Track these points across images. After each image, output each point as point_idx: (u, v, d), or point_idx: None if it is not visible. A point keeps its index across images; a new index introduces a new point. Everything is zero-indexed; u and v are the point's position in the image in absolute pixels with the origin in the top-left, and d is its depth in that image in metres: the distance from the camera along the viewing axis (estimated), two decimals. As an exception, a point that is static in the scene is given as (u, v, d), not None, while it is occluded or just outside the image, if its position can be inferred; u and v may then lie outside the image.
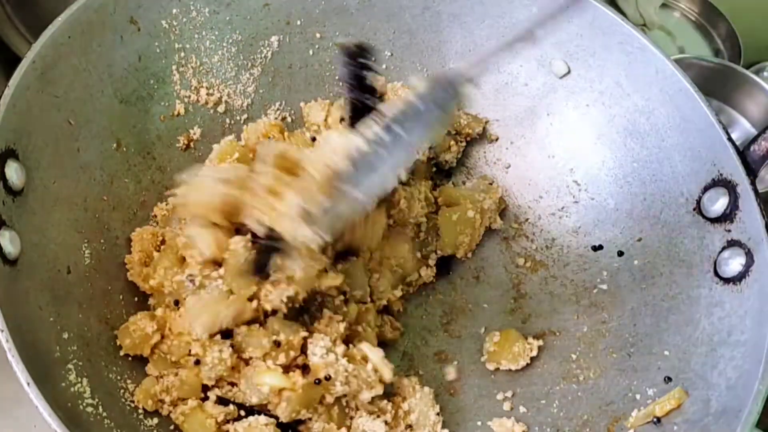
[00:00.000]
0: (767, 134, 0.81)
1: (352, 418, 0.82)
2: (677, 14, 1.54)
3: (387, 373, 0.82)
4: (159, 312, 0.82)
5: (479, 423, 0.87)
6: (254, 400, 0.78)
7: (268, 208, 0.78)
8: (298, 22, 1.01)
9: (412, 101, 0.78)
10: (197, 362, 0.79)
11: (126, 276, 0.86)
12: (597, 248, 0.95)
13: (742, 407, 0.71)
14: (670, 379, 0.80)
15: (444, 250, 0.97)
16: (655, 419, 0.78)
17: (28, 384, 0.63)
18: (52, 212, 0.78)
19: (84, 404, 0.71)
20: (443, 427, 0.86)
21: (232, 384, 0.80)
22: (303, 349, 0.81)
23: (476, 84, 0.79)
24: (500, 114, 1.05)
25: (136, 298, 0.84)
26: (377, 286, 0.91)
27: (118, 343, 0.80)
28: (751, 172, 0.81)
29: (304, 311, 0.85)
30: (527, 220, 1.02)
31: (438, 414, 0.86)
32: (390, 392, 0.86)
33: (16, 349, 0.64)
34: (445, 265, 0.99)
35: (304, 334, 0.81)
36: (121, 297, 0.84)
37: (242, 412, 0.79)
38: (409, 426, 0.85)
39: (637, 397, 0.82)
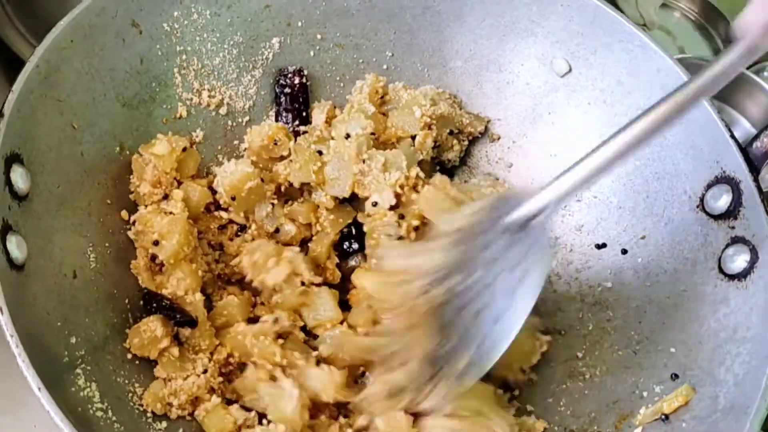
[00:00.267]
0: (770, 131, 0.81)
1: None
2: (677, 14, 1.55)
3: None
4: None
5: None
6: None
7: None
8: (299, 24, 1.01)
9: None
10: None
11: (131, 280, 0.85)
12: (601, 246, 0.96)
13: (750, 403, 0.71)
14: (677, 376, 0.80)
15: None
16: (663, 416, 0.78)
17: (39, 389, 0.63)
18: (56, 216, 0.78)
19: (93, 408, 0.71)
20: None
21: None
22: None
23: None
24: (502, 113, 1.05)
25: (142, 302, 0.84)
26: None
27: (125, 345, 0.80)
28: (754, 169, 0.82)
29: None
30: (530, 219, 1.02)
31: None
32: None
33: (27, 354, 0.63)
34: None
35: None
36: (127, 301, 0.84)
37: (264, 421, 0.80)
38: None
39: (644, 394, 0.82)
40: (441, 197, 0.88)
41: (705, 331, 0.81)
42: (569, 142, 1.00)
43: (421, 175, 0.91)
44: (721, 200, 0.84)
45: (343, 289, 0.92)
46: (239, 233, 0.94)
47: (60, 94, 0.80)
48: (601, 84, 0.97)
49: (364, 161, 0.90)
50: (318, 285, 0.89)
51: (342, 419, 0.83)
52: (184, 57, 0.95)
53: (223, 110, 0.99)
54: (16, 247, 0.69)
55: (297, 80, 1.00)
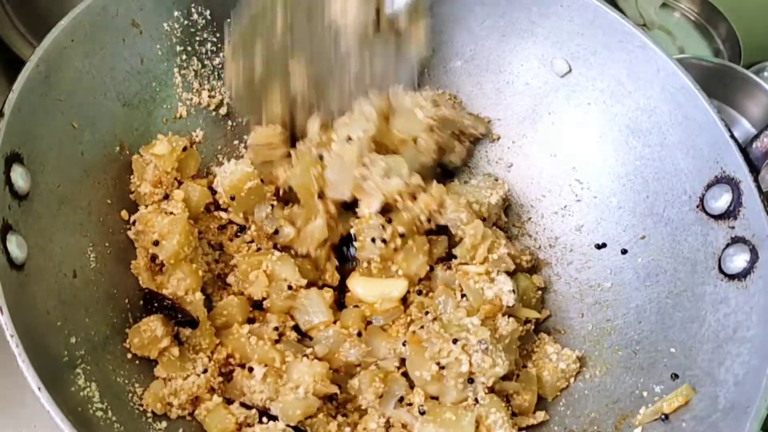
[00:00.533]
0: (770, 131, 0.81)
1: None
2: (677, 14, 1.55)
3: None
4: None
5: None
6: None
7: None
8: (300, 24, 1.01)
9: None
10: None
11: (131, 279, 0.85)
12: (600, 246, 0.96)
13: (750, 403, 0.71)
14: (677, 376, 0.80)
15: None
16: (663, 416, 0.78)
17: (39, 389, 0.63)
18: (57, 216, 0.78)
19: (93, 408, 0.71)
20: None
21: None
22: None
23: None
24: (502, 113, 1.05)
25: (142, 302, 0.84)
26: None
27: (125, 345, 0.80)
28: (754, 169, 0.82)
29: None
30: (530, 218, 1.02)
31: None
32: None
33: (26, 354, 0.63)
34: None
35: None
36: (127, 301, 0.83)
37: (264, 419, 0.80)
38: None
39: (644, 394, 0.82)
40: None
41: (705, 331, 0.81)
42: (569, 142, 1.00)
43: (421, 184, 0.92)
44: (721, 200, 0.84)
45: (343, 290, 0.93)
46: (239, 233, 0.95)
47: (60, 93, 0.80)
48: (601, 84, 0.97)
49: (365, 165, 0.90)
50: (307, 287, 0.89)
51: (340, 418, 0.83)
52: (184, 57, 0.95)
53: (223, 110, 0.99)
54: (16, 246, 0.69)
55: None
